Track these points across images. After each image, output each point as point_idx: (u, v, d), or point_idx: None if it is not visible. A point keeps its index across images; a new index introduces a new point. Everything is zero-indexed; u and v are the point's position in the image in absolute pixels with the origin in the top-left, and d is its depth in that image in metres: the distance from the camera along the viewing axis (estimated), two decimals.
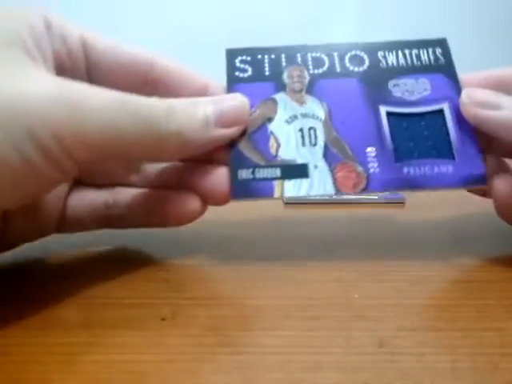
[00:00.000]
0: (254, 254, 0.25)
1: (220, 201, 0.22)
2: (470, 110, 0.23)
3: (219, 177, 0.22)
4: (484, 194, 0.24)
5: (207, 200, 0.23)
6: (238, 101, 0.23)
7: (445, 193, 0.23)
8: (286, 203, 0.34)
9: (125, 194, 0.24)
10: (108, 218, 0.24)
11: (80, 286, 0.21)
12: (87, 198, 0.24)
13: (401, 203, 0.34)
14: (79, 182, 0.24)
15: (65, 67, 0.21)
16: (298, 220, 0.31)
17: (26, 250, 0.23)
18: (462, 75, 0.25)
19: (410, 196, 0.34)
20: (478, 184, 0.22)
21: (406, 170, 0.23)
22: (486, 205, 0.24)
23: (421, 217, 0.31)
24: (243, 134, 0.23)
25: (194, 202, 0.22)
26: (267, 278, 0.22)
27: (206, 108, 0.21)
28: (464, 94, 0.23)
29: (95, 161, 0.19)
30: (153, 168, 0.25)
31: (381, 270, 0.22)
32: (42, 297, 0.20)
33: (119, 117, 0.18)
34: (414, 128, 0.24)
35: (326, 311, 0.19)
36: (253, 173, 0.22)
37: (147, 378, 0.15)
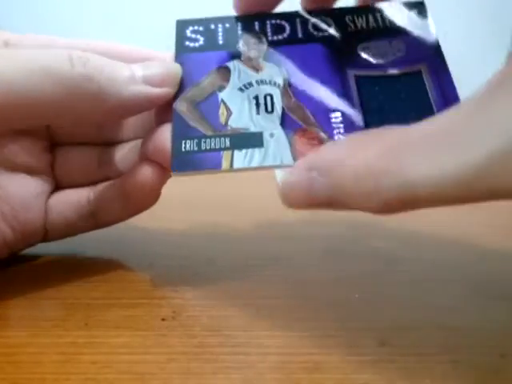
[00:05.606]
0: (254, 254, 0.25)
1: (165, 160, 0.20)
2: None
3: (161, 133, 0.20)
4: None
5: (157, 162, 0.21)
6: (167, 64, 0.21)
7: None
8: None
9: (102, 186, 0.23)
10: (92, 214, 0.23)
11: (80, 287, 0.21)
12: (71, 197, 0.23)
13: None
14: (62, 186, 0.24)
15: None
16: (298, 219, 0.31)
17: (25, 252, 0.23)
18: None
19: None
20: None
21: None
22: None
23: (422, 216, 0.31)
24: (189, 103, 0.21)
25: (145, 170, 0.21)
26: (267, 278, 0.22)
27: (133, 68, 0.20)
28: None
29: (9, 126, 0.18)
30: (129, 154, 0.24)
31: (381, 270, 0.22)
32: (41, 297, 0.20)
33: (7, 67, 0.17)
34: (389, 91, 0.21)
35: (326, 311, 0.19)
36: (198, 144, 0.20)
37: (147, 378, 0.15)
